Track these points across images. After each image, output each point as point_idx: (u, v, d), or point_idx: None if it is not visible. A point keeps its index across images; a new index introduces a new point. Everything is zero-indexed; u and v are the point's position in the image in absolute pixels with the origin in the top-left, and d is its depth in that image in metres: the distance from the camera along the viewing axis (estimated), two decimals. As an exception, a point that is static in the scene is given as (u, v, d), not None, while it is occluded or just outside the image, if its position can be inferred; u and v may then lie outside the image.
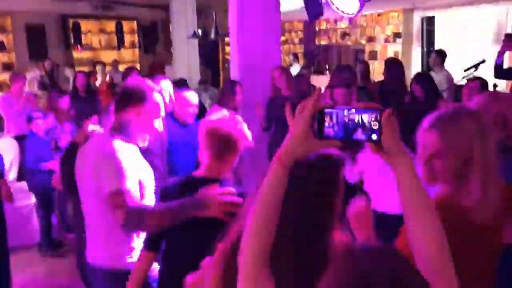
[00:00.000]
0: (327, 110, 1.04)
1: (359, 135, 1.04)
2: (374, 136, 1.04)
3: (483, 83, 4.10)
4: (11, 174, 5.04)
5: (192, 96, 3.69)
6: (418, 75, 4.83)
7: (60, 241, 4.94)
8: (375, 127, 1.03)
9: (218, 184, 1.90)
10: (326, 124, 1.04)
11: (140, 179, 2.11)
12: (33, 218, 4.89)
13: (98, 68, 7.99)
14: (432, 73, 6.12)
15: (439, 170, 1.46)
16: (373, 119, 1.03)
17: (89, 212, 2.28)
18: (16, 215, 4.79)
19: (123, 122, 2.17)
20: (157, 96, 2.23)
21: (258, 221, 1.09)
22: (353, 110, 1.04)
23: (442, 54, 6.52)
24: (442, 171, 1.46)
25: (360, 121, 1.04)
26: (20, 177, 5.01)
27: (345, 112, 1.04)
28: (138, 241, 2.23)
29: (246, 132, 2.00)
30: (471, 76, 4.91)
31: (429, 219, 1.04)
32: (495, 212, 1.45)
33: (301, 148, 1.06)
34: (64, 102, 5.09)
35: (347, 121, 1.04)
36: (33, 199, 4.86)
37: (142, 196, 2.12)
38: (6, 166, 4.82)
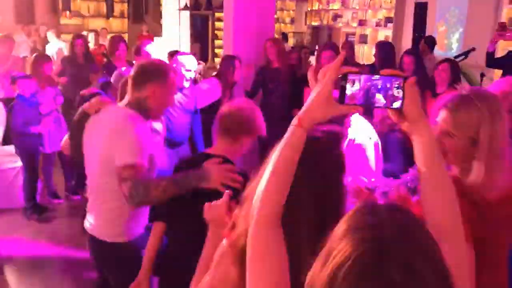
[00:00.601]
0: (350, 76, 1.04)
1: (381, 101, 1.04)
2: (396, 104, 1.03)
3: (453, 65, 4.23)
4: (-3, 137, 4.98)
5: (189, 61, 3.70)
6: (408, 50, 4.96)
7: (45, 206, 4.93)
8: (398, 95, 1.03)
9: (226, 162, 1.96)
10: (348, 89, 1.04)
11: (150, 154, 2.15)
12: (20, 181, 4.86)
13: (91, 36, 7.85)
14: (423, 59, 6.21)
15: (448, 148, 1.50)
16: (396, 86, 1.03)
17: (94, 181, 2.31)
18: (3, 178, 4.76)
19: (140, 98, 2.20)
20: (174, 74, 2.27)
21: (272, 182, 1.09)
22: (376, 77, 1.03)
23: (431, 41, 6.60)
24: (450, 150, 1.51)
25: (382, 88, 1.03)
26: (7, 141, 4.95)
27: (368, 78, 1.03)
28: (140, 213, 2.29)
29: (262, 122, 2.06)
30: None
31: (445, 187, 1.06)
32: (502, 193, 1.49)
33: (322, 112, 1.06)
34: (48, 67, 5.01)
35: (369, 87, 1.03)
36: (19, 163, 4.82)
37: (150, 171, 2.17)
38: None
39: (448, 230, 1.02)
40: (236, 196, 1.58)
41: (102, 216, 2.28)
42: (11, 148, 4.82)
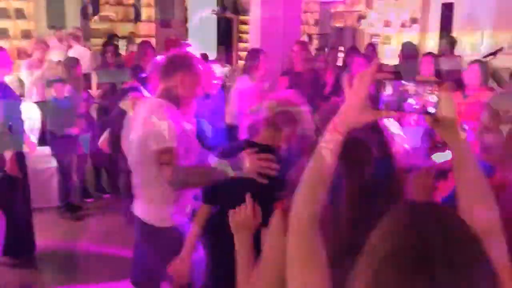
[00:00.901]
0: (385, 81, 1.05)
1: (415, 107, 1.04)
2: (431, 109, 1.04)
3: (482, 66, 4.21)
4: (33, 139, 5.17)
5: (217, 69, 3.86)
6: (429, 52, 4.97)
7: (78, 205, 5.11)
8: (433, 100, 1.03)
9: (271, 151, 2.04)
10: (383, 94, 1.05)
11: (185, 147, 2.28)
12: (55, 181, 5.05)
13: (122, 42, 8.05)
14: (443, 59, 6.19)
15: (488, 144, 1.52)
16: (430, 91, 1.03)
17: (137, 170, 2.46)
18: (38, 178, 4.94)
19: (169, 88, 2.33)
20: (200, 64, 2.39)
21: (309, 186, 1.10)
22: (411, 82, 1.04)
23: (452, 40, 6.57)
24: (491, 146, 1.52)
25: (416, 93, 1.03)
26: (42, 142, 5.15)
27: (403, 83, 1.04)
28: (183, 200, 2.41)
29: (307, 114, 2.14)
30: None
31: (483, 195, 1.05)
32: None
33: (357, 117, 1.07)
34: (79, 70, 5.20)
35: (403, 92, 1.04)
36: (54, 163, 5.01)
37: (185, 158, 2.28)
38: (28, 131, 4.95)
39: (487, 237, 0.96)
40: (276, 182, 1.65)
41: (148, 201, 2.42)
42: (45, 149, 5.02)
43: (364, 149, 1.23)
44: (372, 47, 7.46)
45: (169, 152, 2.14)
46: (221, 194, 2.18)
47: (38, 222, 4.32)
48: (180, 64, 2.35)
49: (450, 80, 4.64)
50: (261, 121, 2.16)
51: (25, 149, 4.23)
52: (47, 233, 4.50)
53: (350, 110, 1.08)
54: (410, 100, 1.05)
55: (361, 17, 11.39)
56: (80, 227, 4.79)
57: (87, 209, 5.14)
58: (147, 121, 2.25)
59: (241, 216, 1.60)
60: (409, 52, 5.48)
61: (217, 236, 2.17)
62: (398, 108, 1.06)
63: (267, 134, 2.15)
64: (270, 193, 1.49)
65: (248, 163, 1.97)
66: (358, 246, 0.88)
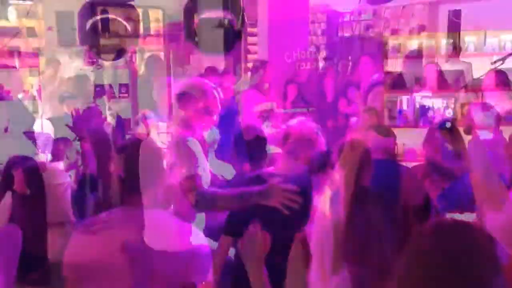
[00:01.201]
0: (401, 97, 1.06)
1: (434, 121, 1.05)
2: (448, 124, 1.05)
3: (498, 74, 4.24)
4: (47, 155, 5.25)
5: (229, 79, 3.98)
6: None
7: (93, 219, 5.14)
8: (449, 115, 1.04)
9: (287, 180, 2.07)
10: (401, 110, 1.06)
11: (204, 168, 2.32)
12: (69, 196, 5.10)
13: (139, 55, 8.16)
14: (447, 65, 6.17)
15: None
16: (447, 106, 1.04)
17: (152, 202, 2.46)
18: (53, 193, 4.98)
19: (186, 117, 2.39)
20: (215, 92, 2.46)
21: (331, 205, 1.17)
22: (427, 98, 1.05)
23: (456, 46, 6.56)
24: None
25: (434, 109, 1.04)
26: (55, 157, 5.21)
27: (419, 99, 1.05)
28: (194, 227, 2.42)
29: (320, 136, 2.19)
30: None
31: (501, 201, 1.07)
32: None
33: (376, 133, 1.09)
34: (90, 86, 5.28)
35: (421, 107, 1.05)
36: (68, 178, 5.07)
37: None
38: (42, 147, 5.02)
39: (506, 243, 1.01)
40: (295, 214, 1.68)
41: (171, 230, 2.43)
42: (59, 165, 5.08)
43: (362, 150, 1.24)
44: (367, 58, 7.42)
45: (192, 179, 2.18)
46: (242, 225, 2.18)
47: (53, 236, 4.34)
48: (194, 93, 2.41)
49: (459, 86, 4.65)
50: (280, 152, 2.21)
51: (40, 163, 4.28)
52: (62, 247, 4.52)
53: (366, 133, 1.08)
54: (428, 115, 1.03)
55: (368, 26, 11.41)
56: (96, 241, 4.80)
57: (102, 223, 5.17)
58: (168, 151, 2.31)
59: (250, 245, 1.62)
60: (413, 60, 5.51)
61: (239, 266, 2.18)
62: (415, 123, 1.04)
63: (287, 164, 2.20)
64: (290, 224, 1.52)
65: (275, 192, 2.00)
66: (356, 248, 0.89)
